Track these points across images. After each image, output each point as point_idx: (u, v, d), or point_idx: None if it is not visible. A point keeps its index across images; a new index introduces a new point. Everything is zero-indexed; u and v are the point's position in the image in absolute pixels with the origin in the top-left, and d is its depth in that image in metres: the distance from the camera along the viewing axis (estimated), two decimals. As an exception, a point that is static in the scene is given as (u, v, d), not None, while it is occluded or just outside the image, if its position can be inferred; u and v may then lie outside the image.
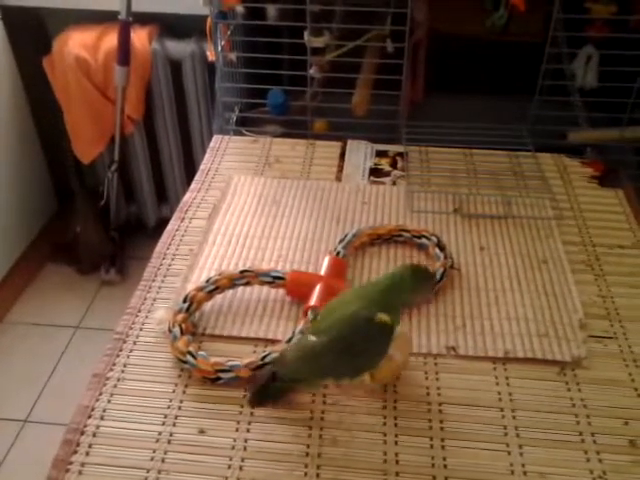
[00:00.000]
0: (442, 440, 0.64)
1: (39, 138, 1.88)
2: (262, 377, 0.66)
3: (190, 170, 1.70)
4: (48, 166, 1.94)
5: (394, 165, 1.09)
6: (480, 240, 0.91)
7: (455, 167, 1.07)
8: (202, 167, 1.07)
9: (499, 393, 0.69)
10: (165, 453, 0.63)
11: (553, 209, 0.97)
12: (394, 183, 1.04)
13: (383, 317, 0.62)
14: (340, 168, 1.08)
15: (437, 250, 0.86)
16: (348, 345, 0.62)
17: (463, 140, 1.09)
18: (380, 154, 1.11)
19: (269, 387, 0.65)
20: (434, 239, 0.88)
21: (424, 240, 0.88)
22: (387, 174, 1.06)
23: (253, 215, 0.96)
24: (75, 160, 1.79)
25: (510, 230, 0.93)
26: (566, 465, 0.62)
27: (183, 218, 0.95)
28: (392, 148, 1.12)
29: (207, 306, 0.79)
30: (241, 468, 0.62)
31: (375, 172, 1.07)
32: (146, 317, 0.78)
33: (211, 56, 1.18)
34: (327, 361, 0.63)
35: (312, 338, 0.63)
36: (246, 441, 0.64)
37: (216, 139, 1.14)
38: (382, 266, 0.87)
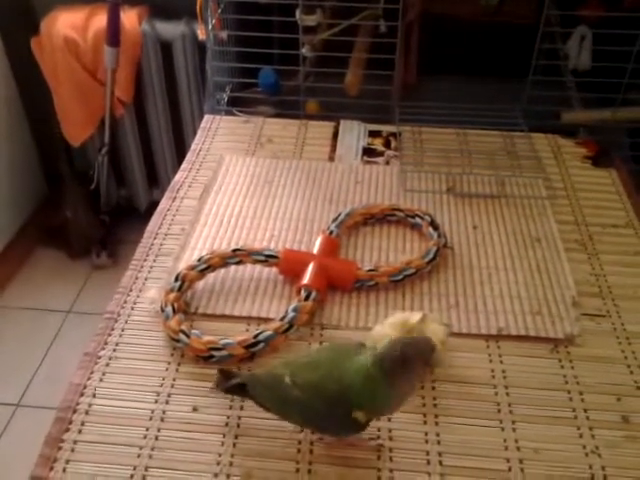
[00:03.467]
0: (435, 416, 0.64)
1: (28, 121, 1.85)
2: (232, 379, 0.63)
3: (181, 152, 1.68)
4: (37, 149, 1.92)
5: (387, 145, 1.08)
6: (473, 219, 0.91)
7: (448, 147, 1.06)
8: (193, 147, 1.06)
9: (492, 370, 0.69)
10: (158, 431, 0.63)
11: (546, 189, 0.97)
12: (387, 163, 1.04)
13: (360, 416, 0.56)
14: (333, 148, 1.07)
15: (430, 229, 0.86)
16: (319, 419, 0.58)
17: (456, 120, 1.09)
18: (373, 134, 1.11)
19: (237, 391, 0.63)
20: (427, 218, 0.88)
21: (417, 219, 0.88)
22: (380, 154, 1.06)
23: (245, 195, 0.95)
24: (65, 143, 1.76)
25: (503, 209, 0.93)
26: (559, 441, 0.62)
27: (174, 198, 0.94)
28: (385, 128, 1.11)
29: (199, 285, 0.79)
30: (234, 445, 0.62)
31: (368, 152, 1.06)
32: (138, 296, 0.78)
33: (202, 34, 1.17)
34: (296, 414, 0.59)
35: (287, 380, 0.58)
36: (239, 418, 0.64)
37: (207, 119, 1.13)
38: (375, 245, 0.86)
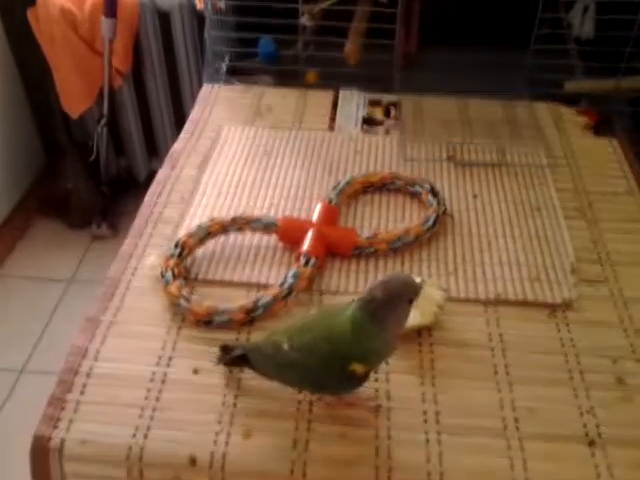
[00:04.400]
0: (433, 378, 0.65)
1: (26, 93, 1.84)
2: (234, 351, 0.64)
3: (180, 122, 1.66)
4: (35, 121, 1.91)
5: (387, 114, 1.07)
6: (473, 188, 0.91)
7: (449, 117, 1.06)
8: (192, 117, 1.05)
9: (490, 334, 0.70)
10: (160, 392, 0.64)
11: (547, 157, 0.97)
12: (387, 132, 1.03)
13: (357, 368, 0.56)
14: (332, 118, 1.06)
15: (430, 197, 0.86)
16: (318, 379, 0.59)
17: (457, 90, 1.08)
18: (373, 103, 1.10)
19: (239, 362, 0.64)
20: (427, 186, 0.88)
21: (417, 187, 0.88)
22: (380, 123, 1.05)
23: (244, 165, 0.95)
24: (63, 114, 1.75)
25: (503, 178, 0.93)
26: (555, 401, 0.63)
27: (174, 167, 0.94)
28: (385, 97, 1.11)
29: (199, 252, 0.79)
30: (235, 405, 0.62)
31: (368, 121, 1.06)
32: (138, 263, 0.78)
33: (200, 4, 1.16)
34: (297, 378, 0.60)
35: (285, 347, 0.59)
36: (239, 380, 0.65)
37: (206, 89, 1.12)
38: (374, 214, 0.86)
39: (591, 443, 0.59)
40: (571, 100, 1.11)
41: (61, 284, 1.79)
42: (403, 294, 0.56)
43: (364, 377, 0.58)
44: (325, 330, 0.59)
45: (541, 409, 0.62)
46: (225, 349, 0.65)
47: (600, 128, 1.05)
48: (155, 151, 1.82)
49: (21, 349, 1.62)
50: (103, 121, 1.68)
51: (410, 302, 0.56)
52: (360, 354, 0.57)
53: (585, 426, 0.61)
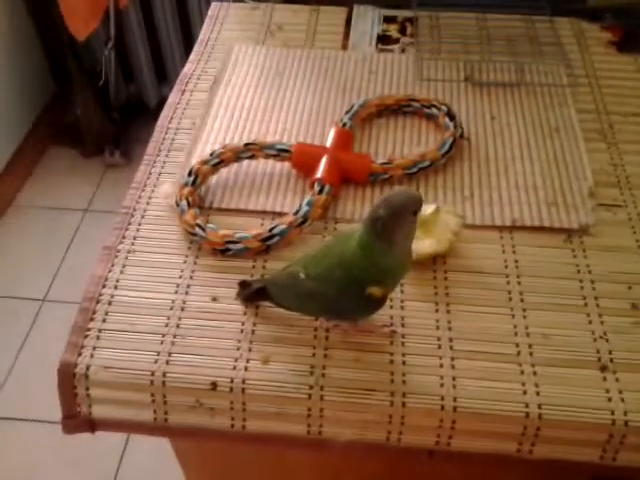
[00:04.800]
0: (447, 305, 0.66)
1: (31, 17, 1.79)
2: (252, 286, 0.65)
3: (189, 44, 1.63)
4: (42, 46, 1.86)
5: (403, 32, 1.03)
6: (491, 109, 0.89)
7: (467, 33, 1.01)
8: (201, 37, 1.02)
9: (505, 260, 0.70)
10: (179, 320, 0.65)
11: (568, 76, 0.93)
12: (403, 51, 1.00)
13: (375, 291, 0.57)
14: (346, 36, 1.02)
15: (447, 120, 0.84)
16: (337, 306, 0.60)
17: (476, 4, 1.03)
18: (388, 20, 1.05)
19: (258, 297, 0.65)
20: (444, 108, 0.85)
21: (434, 110, 0.86)
22: (395, 41, 1.01)
23: (256, 87, 0.92)
24: (70, 38, 1.71)
25: (522, 98, 0.90)
26: (568, 327, 0.64)
27: (184, 91, 0.92)
28: (401, 13, 1.06)
29: (212, 180, 0.79)
30: (253, 332, 0.64)
31: (383, 39, 1.02)
32: (152, 191, 0.78)
33: None
34: (313, 306, 0.61)
35: (302, 275, 0.60)
36: (257, 308, 0.66)
37: (215, 6, 1.08)
38: (390, 137, 0.85)
39: (603, 368, 0.61)
40: (594, 15, 1.06)
41: (77, 213, 1.80)
42: (407, 207, 0.56)
43: (382, 300, 0.58)
44: (337, 257, 0.59)
45: (554, 335, 0.63)
46: (243, 285, 0.66)
47: (625, 44, 1.00)
48: (165, 76, 1.79)
49: (41, 279, 1.65)
50: (110, 44, 1.65)
51: (414, 214, 0.56)
52: (375, 276, 0.57)
53: (598, 351, 0.62)
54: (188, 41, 1.65)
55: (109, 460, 1.34)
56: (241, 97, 0.91)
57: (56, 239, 1.74)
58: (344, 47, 1.00)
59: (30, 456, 1.34)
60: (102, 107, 1.80)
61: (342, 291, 0.58)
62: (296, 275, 0.60)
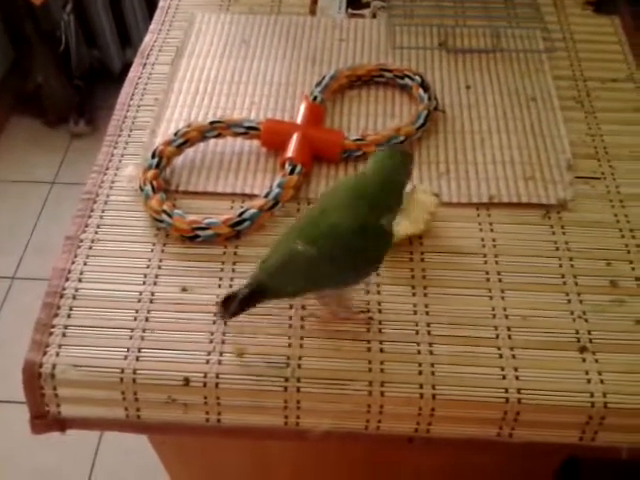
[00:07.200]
0: (424, 288, 0.64)
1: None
2: (239, 296, 0.57)
3: (152, 6, 1.56)
4: (-2, 9, 1.77)
5: (374, -5, 0.99)
6: (467, 78, 0.86)
7: (441, -5, 0.97)
8: (161, 4, 0.97)
9: (482, 239, 0.68)
10: (148, 312, 0.63)
11: (544, 40, 0.90)
12: (374, 16, 0.95)
13: (384, 222, 0.57)
14: None
15: (421, 91, 0.81)
16: (347, 255, 0.57)
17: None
18: (358, -18, 1.01)
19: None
20: (418, 79, 0.82)
21: (407, 80, 0.83)
22: (366, 5, 0.97)
23: (221, 58, 0.88)
24: (27, 2, 1.62)
25: (498, 66, 0.87)
26: (547, 307, 0.63)
27: (145, 64, 0.87)
28: (372, -25, 1.01)
29: (178, 161, 0.75)
30: (226, 323, 0.62)
31: (353, 3, 0.97)
32: (115, 175, 0.74)
33: None
34: (324, 271, 0.57)
35: (299, 247, 0.56)
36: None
37: (175, -30, 1.02)
38: (362, 111, 0.82)
39: (582, 349, 0.60)
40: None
41: (44, 186, 1.74)
42: (411, 163, 0.63)
43: (391, 236, 0.59)
44: (351, 191, 0.58)
45: (533, 316, 0.62)
46: (226, 301, 0.58)
47: (601, 4, 0.97)
48: (129, 40, 1.71)
49: (11, 255, 1.61)
50: (69, 7, 1.56)
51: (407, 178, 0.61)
52: (388, 197, 0.58)
53: (577, 332, 0.61)
54: (151, 2, 1.58)
55: (89, 439, 1.33)
56: (205, 69, 0.87)
57: (23, 214, 1.69)
58: (312, 12, 0.96)
59: (6, 437, 1.33)
60: (64, 74, 1.73)
61: (357, 230, 0.56)
62: (294, 249, 0.56)
